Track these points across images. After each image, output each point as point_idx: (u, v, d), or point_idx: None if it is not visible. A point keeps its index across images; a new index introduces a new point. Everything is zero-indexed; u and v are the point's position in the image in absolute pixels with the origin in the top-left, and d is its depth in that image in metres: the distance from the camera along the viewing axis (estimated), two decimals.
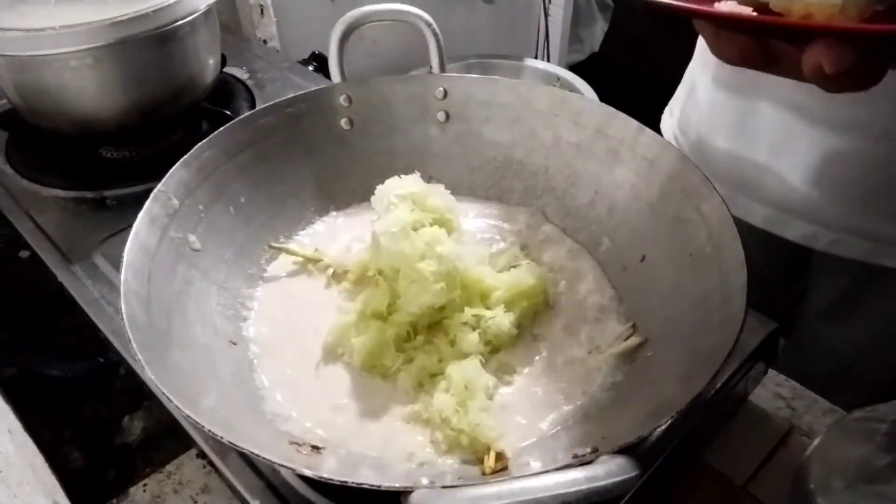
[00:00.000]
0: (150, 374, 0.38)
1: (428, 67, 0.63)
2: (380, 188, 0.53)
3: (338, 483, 0.34)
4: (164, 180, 0.51)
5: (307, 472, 0.35)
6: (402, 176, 0.53)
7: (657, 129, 0.57)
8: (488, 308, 0.51)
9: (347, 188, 0.63)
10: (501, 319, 0.50)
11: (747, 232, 0.47)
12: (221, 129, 0.56)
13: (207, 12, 0.74)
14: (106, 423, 0.61)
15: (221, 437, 0.35)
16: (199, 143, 0.54)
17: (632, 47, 1.98)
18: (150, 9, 0.67)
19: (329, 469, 0.41)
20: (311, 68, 1.05)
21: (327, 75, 0.71)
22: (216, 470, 0.49)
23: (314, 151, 0.62)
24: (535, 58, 1.87)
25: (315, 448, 0.43)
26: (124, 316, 0.41)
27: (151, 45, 0.69)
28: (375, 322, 0.50)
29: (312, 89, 0.61)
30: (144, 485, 0.52)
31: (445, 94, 0.62)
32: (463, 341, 0.49)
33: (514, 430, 0.45)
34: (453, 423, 0.44)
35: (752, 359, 0.52)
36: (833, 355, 0.73)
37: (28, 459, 0.49)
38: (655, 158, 0.54)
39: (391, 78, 0.63)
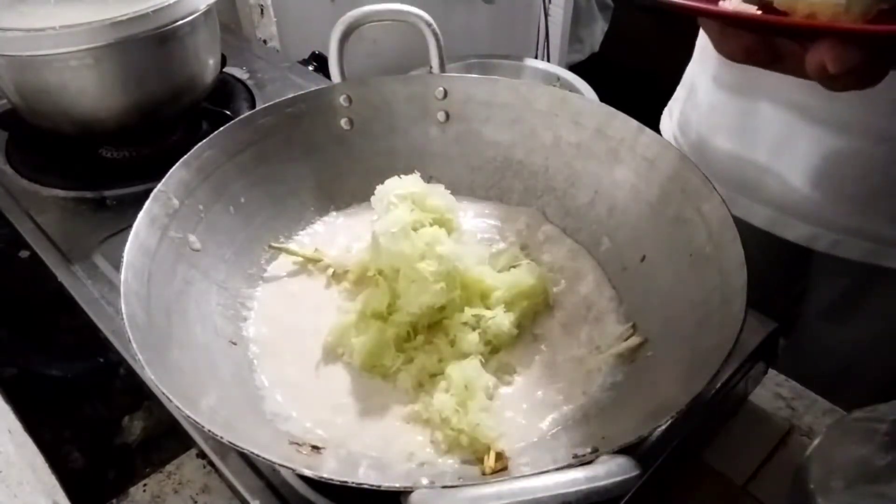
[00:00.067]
0: (150, 374, 0.38)
1: (428, 67, 0.63)
2: (380, 188, 0.53)
3: (338, 483, 0.34)
4: (164, 180, 0.51)
5: (307, 472, 0.35)
6: (402, 176, 0.53)
7: (657, 130, 0.57)
8: (488, 308, 0.51)
9: (347, 188, 0.63)
10: (501, 319, 0.50)
11: (747, 232, 0.47)
12: (221, 129, 0.56)
13: (207, 12, 0.74)
14: (106, 423, 0.61)
15: (221, 437, 0.35)
16: (199, 143, 0.54)
17: (632, 47, 1.98)
18: (150, 9, 0.67)
19: (329, 469, 0.41)
20: (311, 68, 1.05)
21: (327, 75, 0.71)
22: (216, 470, 0.49)
23: (314, 151, 0.62)
24: (535, 58, 1.86)
25: (315, 448, 0.43)
26: (124, 316, 0.41)
27: (151, 45, 0.69)
28: (375, 322, 0.50)
29: (312, 89, 0.61)
30: (144, 485, 0.52)
31: (445, 94, 0.62)
32: (463, 341, 0.49)
33: (514, 430, 0.45)
34: (453, 423, 0.44)
35: (752, 359, 0.52)
36: (833, 355, 0.73)
37: (28, 459, 0.49)
38: (655, 158, 0.54)
39: (391, 78, 0.63)
